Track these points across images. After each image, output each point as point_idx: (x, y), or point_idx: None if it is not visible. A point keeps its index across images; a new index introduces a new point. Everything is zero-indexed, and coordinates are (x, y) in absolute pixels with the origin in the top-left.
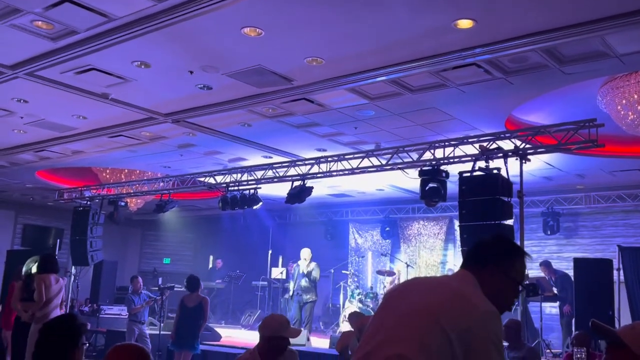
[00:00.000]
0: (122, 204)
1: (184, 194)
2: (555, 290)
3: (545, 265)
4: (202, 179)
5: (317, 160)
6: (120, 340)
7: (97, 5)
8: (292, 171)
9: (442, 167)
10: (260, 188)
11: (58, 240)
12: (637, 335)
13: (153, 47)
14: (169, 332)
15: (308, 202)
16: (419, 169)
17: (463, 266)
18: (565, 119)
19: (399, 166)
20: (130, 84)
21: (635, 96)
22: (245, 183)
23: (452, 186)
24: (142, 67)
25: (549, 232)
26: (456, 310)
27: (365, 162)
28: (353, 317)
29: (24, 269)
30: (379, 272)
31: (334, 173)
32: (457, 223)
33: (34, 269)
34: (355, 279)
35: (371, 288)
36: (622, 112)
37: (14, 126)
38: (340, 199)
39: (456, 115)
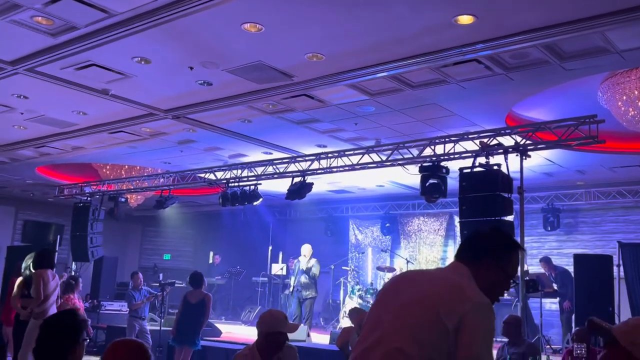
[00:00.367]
0: (123, 200)
1: (184, 190)
2: (555, 286)
3: (545, 261)
4: (202, 175)
5: (318, 157)
6: (120, 336)
7: (97, 1)
8: (293, 167)
9: (443, 163)
10: (260, 184)
11: (58, 237)
12: (628, 332)
13: (153, 43)
14: (170, 328)
15: (308, 198)
16: (419, 165)
17: (457, 258)
18: (566, 115)
19: (399, 162)
20: (130, 80)
21: (636, 92)
22: (245, 179)
23: (453, 182)
24: (142, 63)
25: (549, 228)
26: (453, 302)
27: (366, 158)
28: (353, 313)
29: (23, 265)
30: (379, 269)
31: (334, 169)
32: (457, 219)
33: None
34: (356, 275)
35: (371, 284)
36: (623, 109)
37: (14, 122)
38: (340, 195)
39: (456, 111)
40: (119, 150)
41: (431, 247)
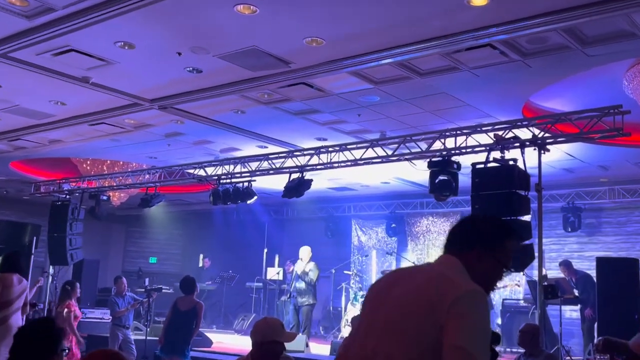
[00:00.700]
0: (104, 198)
1: (172, 187)
2: (576, 292)
3: (565, 265)
4: (191, 171)
5: (317, 151)
6: (102, 347)
7: None
8: (290, 162)
9: (453, 158)
10: (254, 181)
11: (34, 238)
12: None
13: (138, 26)
14: (156, 338)
15: (307, 197)
16: (427, 160)
17: (446, 250)
18: (588, 106)
19: (406, 157)
20: (112, 67)
21: None
22: (238, 175)
23: (464, 179)
24: (126, 48)
25: (569, 229)
26: (444, 295)
27: (370, 153)
28: (356, 322)
29: None
30: (384, 273)
31: (335, 164)
32: None
33: None
34: (358, 280)
35: None
36: None
37: None
38: (342, 193)
39: (469, 102)
40: (101, 143)
41: (440, 249)
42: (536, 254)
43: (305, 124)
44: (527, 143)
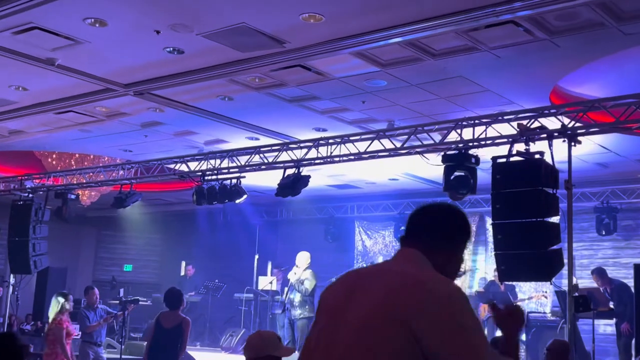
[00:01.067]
0: (73, 197)
1: (150, 185)
2: (611, 304)
3: (598, 273)
4: (171, 166)
5: (316, 143)
6: None
7: None
8: (284, 156)
9: (471, 152)
10: (244, 177)
11: None
12: None
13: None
14: (132, 357)
15: (304, 195)
16: (441, 153)
17: (409, 243)
18: (624, 92)
19: (417, 150)
20: (81, 47)
21: None
22: (225, 171)
23: (484, 175)
24: (97, 25)
25: (603, 232)
26: (420, 303)
27: (376, 145)
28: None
29: None
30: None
31: (337, 158)
32: (489, 221)
33: None
34: None
35: None
36: None
37: None
38: (344, 191)
39: (489, 87)
40: (68, 134)
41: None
42: (565, 261)
43: (302, 113)
44: (556, 134)
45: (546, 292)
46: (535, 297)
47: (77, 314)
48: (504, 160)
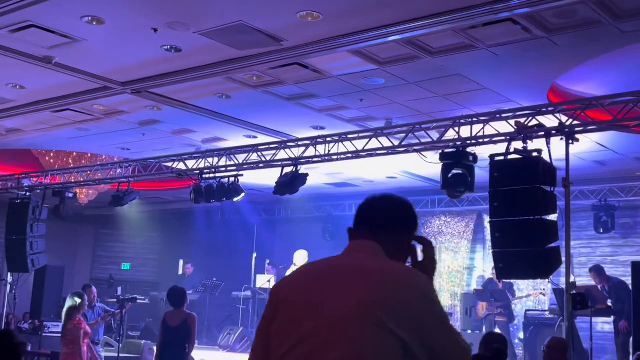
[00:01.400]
0: (70, 195)
1: (147, 183)
2: (609, 302)
3: (596, 271)
4: (169, 164)
5: (313, 141)
6: None
7: None
8: (282, 154)
9: (469, 149)
10: (242, 175)
11: None
12: None
13: None
14: (130, 355)
15: (301, 193)
16: (439, 151)
17: (362, 235)
18: (623, 89)
19: (415, 148)
20: (79, 45)
21: None
22: (223, 169)
23: (482, 173)
24: (94, 23)
25: (601, 230)
26: (397, 301)
27: (374, 143)
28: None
29: None
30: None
31: (334, 157)
32: (487, 219)
33: None
34: None
35: None
36: None
37: None
38: (342, 190)
39: (486, 85)
40: (66, 133)
41: (455, 253)
42: (563, 259)
43: (300, 111)
44: (554, 132)
45: (544, 289)
46: (533, 295)
47: None
48: (501, 158)
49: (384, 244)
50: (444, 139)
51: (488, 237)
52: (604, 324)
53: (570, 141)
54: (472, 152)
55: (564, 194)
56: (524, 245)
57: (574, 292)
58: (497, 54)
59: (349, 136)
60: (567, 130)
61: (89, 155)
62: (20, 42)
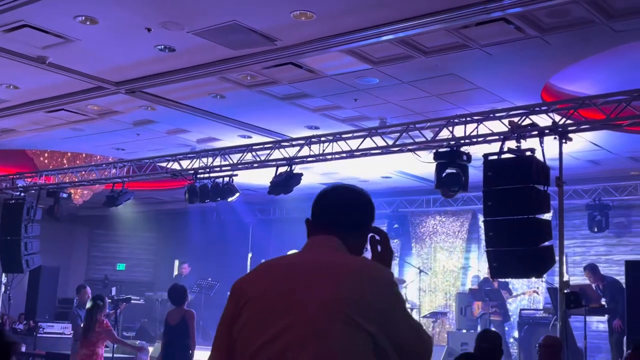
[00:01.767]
0: (64, 195)
1: (142, 183)
2: (603, 301)
3: (591, 269)
4: (164, 164)
5: (308, 141)
6: None
7: None
8: (277, 154)
9: (463, 149)
10: (236, 175)
11: None
12: None
13: None
14: (124, 355)
15: (296, 193)
16: (433, 150)
17: (322, 230)
18: (615, 89)
19: (409, 147)
20: (72, 45)
21: None
22: (217, 169)
23: (476, 172)
24: (88, 23)
25: (595, 230)
26: (364, 295)
27: (368, 143)
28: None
29: None
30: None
31: (329, 156)
32: (482, 218)
33: None
34: None
35: None
36: None
37: None
38: None
39: (480, 84)
40: (60, 133)
41: (450, 253)
42: (557, 258)
43: (294, 111)
44: (547, 131)
45: (538, 288)
46: (527, 294)
47: (68, 314)
48: (495, 157)
49: (345, 239)
50: (437, 138)
51: (483, 236)
52: (599, 323)
53: (564, 140)
54: (466, 151)
55: (557, 193)
56: (518, 245)
57: (568, 291)
58: (490, 53)
59: (343, 136)
60: (560, 129)
61: (84, 155)
62: (13, 42)
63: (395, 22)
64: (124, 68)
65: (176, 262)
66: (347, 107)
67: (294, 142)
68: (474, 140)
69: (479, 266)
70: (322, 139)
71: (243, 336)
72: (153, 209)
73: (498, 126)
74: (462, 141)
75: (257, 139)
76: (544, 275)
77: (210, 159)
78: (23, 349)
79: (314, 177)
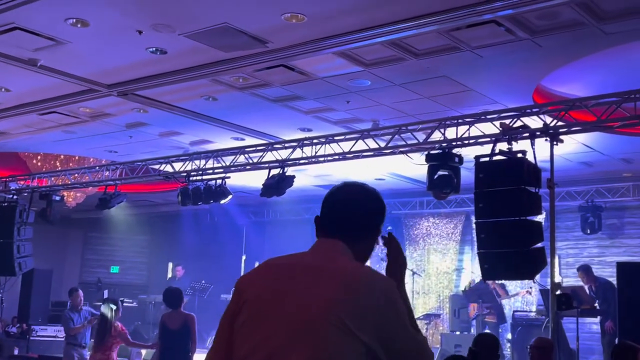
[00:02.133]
0: (57, 198)
1: (135, 186)
2: (596, 303)
3: (584, 270)
4: (156, 167)
5: (300, 143)
6: None
7: None
8: (269, 156)
9: (455, 151)
10: (229, 177)
11: None
12: None
13: None
14: (117, 358)
15: (290, 196)
16: (425, 152)
17: (332, 233)
18: (606, 90)
19: (402, 149)
20: (63, 47)
21: None
22: (210, 171)
23: (468, 174)
24: (79, 25)
25: (588, 231)
26: (360, 304)
27: (360, 145)
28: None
29: None
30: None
31: (321, 158)
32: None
33: None
34: None
35: None
36: None
37: None
38: None
39: (472, 86)
40: (52, 135)
41: (443, 255)
42: (549, 260)
43: (287, 113)
44: (538, 133)
45: (531, 288)
46: (521, 294)
47: (61, 317)
48: (486, 159)
49: (353, 244)
50: (429, 140)
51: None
52: (592, 325)
53: (555, 142)
54: (458, 153)
55: (549, 194)
56: (509, 246)
57: (559, 292)
58: (482, 55)
59: (336, 138)
60: (551, 131)
61: (77, 158)
62: (4, 44)
63: (386, 24)
64: (115, 70)
65: (170, 265)
66: (340, 109)
67: (286, 145)
68: (466, 142)
69: (473, 268)
70: (315, 141)
71: (240, 334)
72: (146, 212)
73: (490, 128)
74: (454, 143)
75: (249, 141)
76: (537, 277)
77: (203, 161)
78: (16, 352)
79: (307, 179)
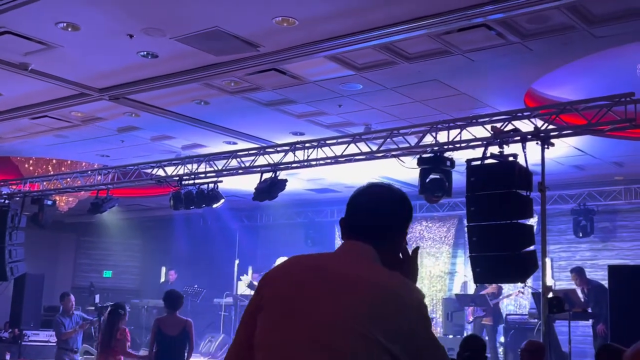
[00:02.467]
0: (49, 202)
1: (127, 190)
2: (588, 305)
3: (578, 272)
4: (148, 171)
5: (292, 147)
6: None
7: None
8: (261, 160)
9: (446, 154)
10: (221, 182)
11: None
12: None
13: (82, 3)
14: None
15: (282, 199)
16: (417, 156)
17: (360, 236)
18: (597, 94)
19: (393, 153)
20: (54, 51)
21: None
22: (202, 175)
23: (459, 177)
24: (69, 29)
25: (580, 234)
26: (392, 316)
27: (352, 149)
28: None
29: None
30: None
31: (313, 162)
32: None
33: None
34: None
35: None
36: None
37: None
38: (323, 195)
39: (463, 90)
40: (44, 140)
41: (436, 258)
42: (540, 263)
43: (279, 117)
44: (529, 136)
45: (524, 288)
46: (513, 295)
47: (52, 321)
48: (478, 162)
49: (380, 250)
50: (421, 144)
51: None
52: (585, 328)
53: (546, 145)
54: (450, 156)
55: (540, 198)
56: (500, 250)
57: (551, 295)
58: (473, 59)
59: (328, 142)
60: (542, 134)
61: (69, 162)
62: None
63: (377, 28)
64: (107, 74)
65: (163, 269)
66: (332, 113)
67: (278, 148)
68: (457, 145)
69: (466, 271)
70: (307, 145)
71: (260, 333)
72: (139, 216)
73: (481, 132)
74: (446, 147)
75: (241, 145)
76: (529, 281)
77: (195, 165)
78: (8, 357)
79: (300, 183)
